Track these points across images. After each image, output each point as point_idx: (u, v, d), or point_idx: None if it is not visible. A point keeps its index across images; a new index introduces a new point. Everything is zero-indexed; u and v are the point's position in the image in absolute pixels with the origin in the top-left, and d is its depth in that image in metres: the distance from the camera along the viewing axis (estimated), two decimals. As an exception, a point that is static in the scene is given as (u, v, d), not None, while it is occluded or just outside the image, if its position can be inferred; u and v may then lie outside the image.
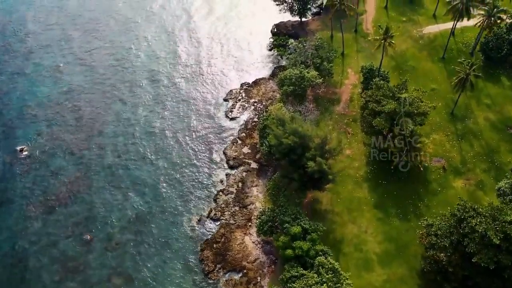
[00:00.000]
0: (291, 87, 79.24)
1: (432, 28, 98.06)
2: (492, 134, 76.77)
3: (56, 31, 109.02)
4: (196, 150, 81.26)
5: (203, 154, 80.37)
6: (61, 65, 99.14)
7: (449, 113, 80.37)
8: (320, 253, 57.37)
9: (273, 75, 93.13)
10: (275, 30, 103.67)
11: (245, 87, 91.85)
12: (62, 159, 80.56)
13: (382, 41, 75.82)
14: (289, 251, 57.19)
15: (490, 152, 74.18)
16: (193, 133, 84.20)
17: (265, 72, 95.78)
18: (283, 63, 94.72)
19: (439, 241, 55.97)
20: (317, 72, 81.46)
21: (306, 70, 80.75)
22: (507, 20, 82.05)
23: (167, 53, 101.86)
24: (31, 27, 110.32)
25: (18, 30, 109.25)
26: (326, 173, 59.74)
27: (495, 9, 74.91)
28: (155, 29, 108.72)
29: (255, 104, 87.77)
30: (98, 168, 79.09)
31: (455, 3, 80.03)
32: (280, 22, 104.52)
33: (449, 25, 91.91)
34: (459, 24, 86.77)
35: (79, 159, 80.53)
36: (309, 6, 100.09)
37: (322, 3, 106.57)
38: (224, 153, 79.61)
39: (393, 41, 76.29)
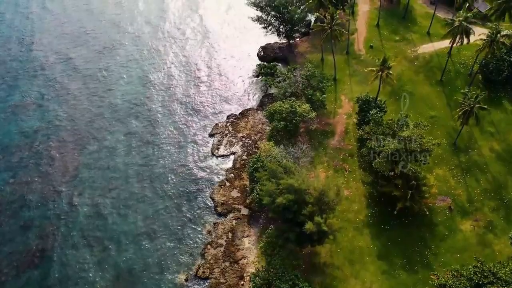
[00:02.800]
0: (282, 122, 72.99)
1: (427, 47, 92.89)
2: (498, 167, 71.51)
3: (24, 59, 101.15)
4: (180, 195, 73.82)
5: (188, 200, 72.87)
6: (28, 100, 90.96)
7: (451, 144, 74.98)
8: (323, 325, 51.15)
9: (261, 105, 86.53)
10: (262, 53, 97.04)
11: (231, 119, 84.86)
12: (33, 211, 72.61)
13: (379, 73, 69.79)
14: (288, 325, 50.87)
15: (498, 188, 68.92)
16: (177, 176, 76.69)
17: (253, 102, 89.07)
18: (272, 91, 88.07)
19: (454, 306, 50.36)
20: (309, 105, 75.19)
21: (298, 103, 74.41)
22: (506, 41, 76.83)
23: (143, 85, 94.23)
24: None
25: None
26: (326, 233, 53.46)
27: (498, 35, 69.36)
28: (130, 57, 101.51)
29: (244, 139, 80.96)
30: (72, 220, 71.36)
31: (454, 26, 74.60)
32: (267, 44, 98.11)
33: (444, 43, 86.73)
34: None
35: (51, 210, 72.67)
36: (296, 27, 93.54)
37: (310, 22, 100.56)
38: (212, 198, 72.62)
39: (390, 72, 70.35)
